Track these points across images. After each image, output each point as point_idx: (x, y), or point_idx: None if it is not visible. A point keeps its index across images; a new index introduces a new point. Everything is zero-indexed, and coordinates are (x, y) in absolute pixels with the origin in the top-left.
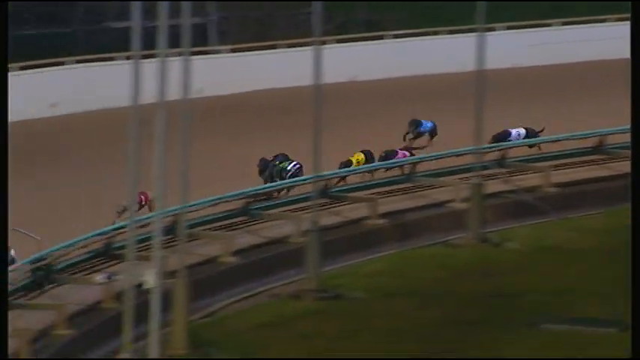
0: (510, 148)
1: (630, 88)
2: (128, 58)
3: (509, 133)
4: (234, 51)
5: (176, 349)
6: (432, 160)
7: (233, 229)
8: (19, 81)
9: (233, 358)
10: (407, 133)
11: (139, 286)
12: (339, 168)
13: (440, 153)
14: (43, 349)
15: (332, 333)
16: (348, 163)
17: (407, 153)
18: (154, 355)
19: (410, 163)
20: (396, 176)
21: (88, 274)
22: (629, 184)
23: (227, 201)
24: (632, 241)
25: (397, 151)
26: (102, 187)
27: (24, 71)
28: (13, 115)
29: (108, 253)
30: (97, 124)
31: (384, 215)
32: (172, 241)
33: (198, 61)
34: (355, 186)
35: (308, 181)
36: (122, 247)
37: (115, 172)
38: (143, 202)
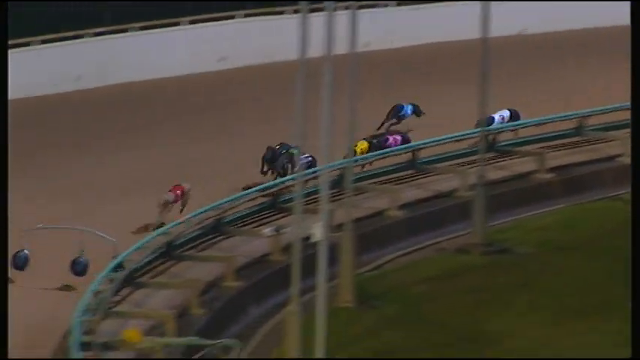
0: None
1: (630, 86)
2: (296, 11)
3: (492, 119)
4: (400, 4)
5: (343, 302)
6: (601, 114)
7: (400, 183)
8: (187, 35)
9: None
10: (389, 119)
11: (307, 239)
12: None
13: (610, 107)
14: (213, 300)
15: (498, 287)
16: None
17: (399, 137)
18: (320, 308)
19: (579, 117)
20: (565, 130)
21: (256, 226)
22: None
23: (394, 154)
24: (632, 239)
25: (388, 137)
26: (269, 139)
27: (193, 25)
28: (179, 70)
29: (276, 206)
30: (265, 78)
31: (553, 169)
32: (339, 195)
33: (364, 14)
34: (522, 140)
35: (474, 134)
36: (289, 201)
37: (281, 126)
38: (179, 196)
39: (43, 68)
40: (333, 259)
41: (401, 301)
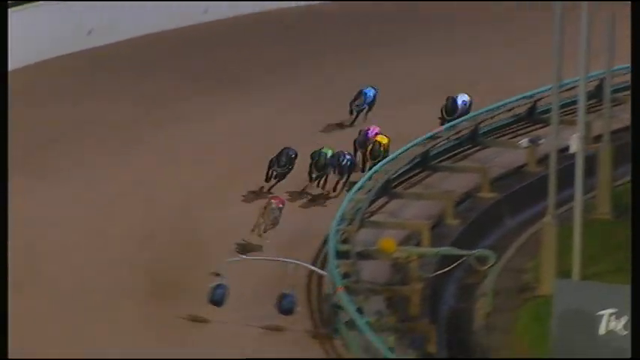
0: None
1: (631, 87)
2: None
3: (456, 104)
4: None
5: (600, 214)
6: None
7: None
8: None
9: None
10: (356, 107)
11: (563, 150)
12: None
13: None
14: (468, 211)
15: None
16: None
17: (377, 129)
18: (577, 219)
19: None
20: None
21: (512, 137)
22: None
23: None
24: (632, 238)
25: (368, 128)
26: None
27: None
28: None
29: (532, 117)
30: None
31: None
32: (597, 106)
33: None
34: None
35: None
36: (546, 111)
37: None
38: (280, 205)
39: None
40: (590, 170)
41: None
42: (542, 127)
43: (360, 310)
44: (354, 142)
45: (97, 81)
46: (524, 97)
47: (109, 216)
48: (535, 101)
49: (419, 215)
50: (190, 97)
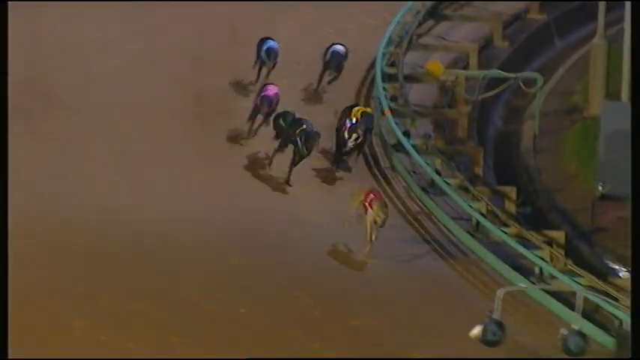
0: None
1: (630, 87)
2: None
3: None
4: None
5: None
6: None
7: None
8: None
9: None
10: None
11: None
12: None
13: None
14: (516, 33)
15: None
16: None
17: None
18: (627, 41)
19: None
20: None
21: None
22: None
23: None
24: (632, 240)
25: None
26: None
27: None
28: None
29: None
30: None
31: None
32: None
33: None
34: None
35: None
36: None
37: None
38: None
39: None
40: None
41: None
42: None
43: (406, 133)
44: (255, 103)
45: None
46: None
47: (160, 38)
48: None
49: (467, 37)
50: None
